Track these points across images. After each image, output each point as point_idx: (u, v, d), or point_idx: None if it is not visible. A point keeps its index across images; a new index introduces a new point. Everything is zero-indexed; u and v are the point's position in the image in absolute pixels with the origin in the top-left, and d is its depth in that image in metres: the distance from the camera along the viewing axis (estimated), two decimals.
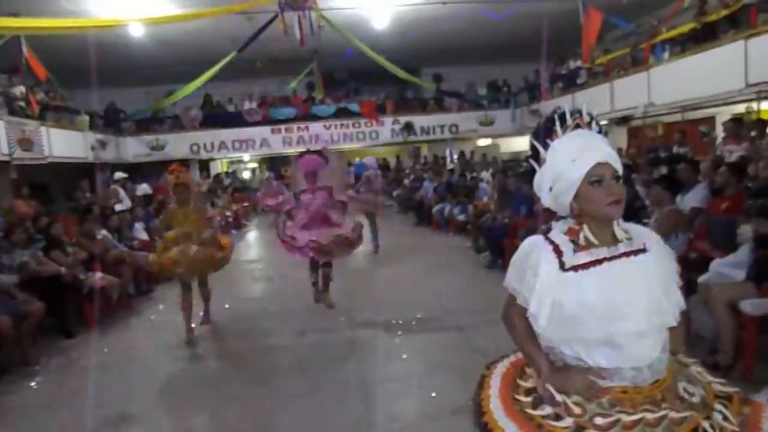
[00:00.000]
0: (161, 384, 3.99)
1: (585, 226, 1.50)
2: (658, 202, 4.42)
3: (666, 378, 1.47)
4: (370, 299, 5.82)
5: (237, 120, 16.40)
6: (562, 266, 1.47)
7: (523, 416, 1.52)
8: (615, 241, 1.50)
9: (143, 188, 11.53)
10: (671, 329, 1.51)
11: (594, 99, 12.20)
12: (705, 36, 9.01)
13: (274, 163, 20.82)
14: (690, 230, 4.52)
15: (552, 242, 1.52)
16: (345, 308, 5.46)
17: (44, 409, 3.71)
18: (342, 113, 16.64)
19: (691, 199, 5.04)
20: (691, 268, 4.18)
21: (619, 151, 11.28)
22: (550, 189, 1.52)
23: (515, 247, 4.98)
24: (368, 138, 16.87)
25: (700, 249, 4.30)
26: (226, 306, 6.03)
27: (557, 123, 1.54)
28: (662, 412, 1.40)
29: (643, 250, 1.49)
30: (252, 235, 12.84)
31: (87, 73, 11.52)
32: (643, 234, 1.56)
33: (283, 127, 16.42)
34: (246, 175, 19.69)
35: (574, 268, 1.46)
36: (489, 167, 13.98)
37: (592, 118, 1.55)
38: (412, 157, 20.56)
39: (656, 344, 1.45)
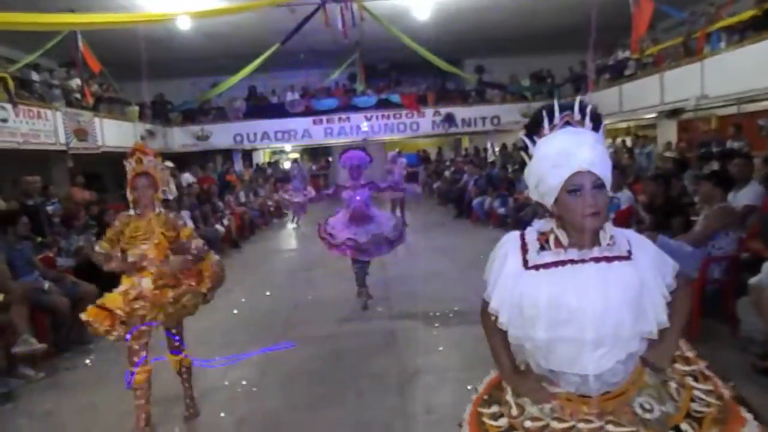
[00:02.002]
0: (203, 368, 4.12)
1: (560, 229, 1.47)
2: (707, 199, 4.25)
3: (622, 391, 1.45)
4: (408, 290, 5.86)
5: (279, 111, 16.67)
6: (525, 264, 1.46)
7: (476, 418, 1.60)
8: (594, 244, 1.44)
9: (186, 177, 11.88)
10: (652, 342, 1.47)
11: (643, 91, 11.81)
12: (766, 23, 8.55)
13: (315, 154, 21.07)
14: (742, 229, 4.34)
15: (523, 239, 1.51)
16: (384, 299, 5.52)
17: (98, 385, 3.92)
18: (383, 104, 16.67)
19: (744, 197, 4.83)
20: (742, 269, 4.03)
21: (668, 145, 10.91)
22: (536, 186, 1.47)
23: None
24: (409, 129, 16.83)
25: (753, 249, 4.13)
26: (267, 293, 6.18)
27: (545, 120, 1.45)
28: (597, 424, 1.41)
29: (625, 257, 1.43)
30: (292, 224, 13.06)
31: (137, 66, 11.98)
32: (634, 242, 1.48)
33: (324, 118, 16.59)
34: (287, 165, 19.99)
35: (536, 267, 1.44)
36: None
37: (584, 115, 1.44)
38: (453, 149, 20.40)
39: (609, 355, 1.40)
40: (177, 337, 3.23)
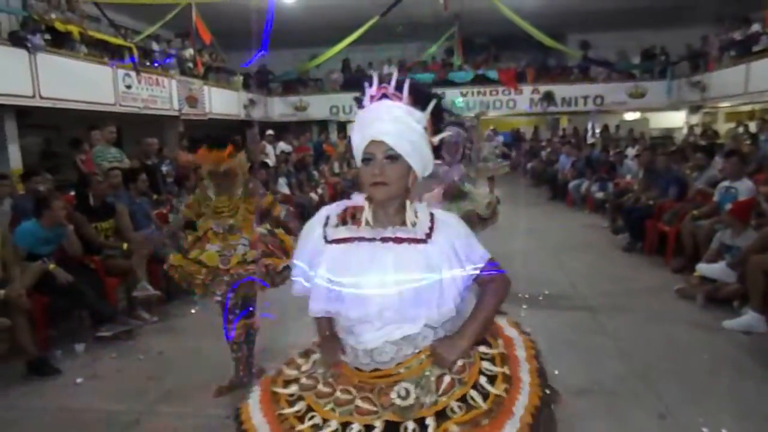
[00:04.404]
0: (293, 326, 4.32)
1: (367, 203, 1.47)
2: None
3: (393, 372, 1.44)
4: None
5: None
6: (325, 237, 1.48)
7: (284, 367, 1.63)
8: (397, 223, 1.45)
9: (281, 146, 12.36)
10: (446, 335, 1.47)
11: None
12: None
13: None
14: None
15: (328, 213, 1.53)
16: None
17: (203, 332, 4.25)
18: (479, 80, 16.27)
19: None
20: None
21: None
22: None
23: (659, 231, 4.86)
24: (505, 107, 16.34)
25: None
26: None
27: (367, 92, 1.44)
28: (352, 396, 1.44)
29: (420, 240, 1.41)
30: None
31: (243, 36, 12.51)
32: (440, 226, 1.44)
33: None
34: None
35: (332, 242, 1.46)
36: (635, 143, 12.87)
37: (401, 90, 1.42)
38: (550, 129, 19.57)
39: (380, 333, 1.42)
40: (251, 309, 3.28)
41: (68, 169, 7.57)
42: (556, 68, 17.01)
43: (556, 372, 3.39)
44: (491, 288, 1.50)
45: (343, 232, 1.47)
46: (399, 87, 1.44)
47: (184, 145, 9.90)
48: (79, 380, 3.52)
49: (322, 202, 9.88)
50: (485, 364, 1.48)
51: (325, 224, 1.51)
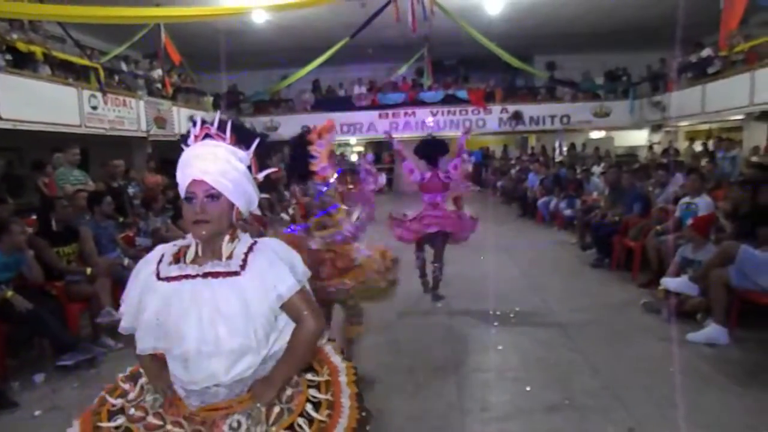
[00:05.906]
0: None
1: (194, 241, 1.50)
2: None
3: (225, 405, 1.48)
4: (468, 288, 5.80)
5: (346, 104, 16.92)
6: (158, 275, 1.49)
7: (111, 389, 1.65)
8: (216, 257, 1.48)
9: None
10: (264, 376, 1.50)
11: (730, 91, 11.06)
12: None
13: (379, 147, 21.20)
14: None
15: (163, 251, 1.54)
16: (444, 294, 5.50)
17: None
18: (449, 100, 16.53)
19: None
20: None
21: (756, 149, 10.18)
22: None
23: (625, 246, 4.96)
24: (474, 126, 16.61)
25: None
26: None
27: (192, 131, 1.49)
28: (182, 430, 1.47)
29: (233, 273, 1.45)
30: (356, 215, 13.23)
31: (213, 57, 12.49)
32: (257, 257, 1.48)
33: (390, 112, 16.68)
34: (354, 158, 20.28)
35: (164, 279, 1.48)
36: (601, 161, 13.22)
37: (224, 130, 1.48)
38: (519, 148, 19.95)
39: (209, 375, 1.42)
40: None
41: (31, 192, 7.34)
42: (524, 88, 17.43)
43: (528, 388, 3.43)
44: (300, 332, 1.53)
45: (174, 270, 1.49)
46: (222, 127, 1.49)
47: (151, 167, 9.75)
48: (37, 413, 3.36)
49: (293, 222, 9.80)
50: (311, 392, 1.57)
51: (160, 261, 1.52)
